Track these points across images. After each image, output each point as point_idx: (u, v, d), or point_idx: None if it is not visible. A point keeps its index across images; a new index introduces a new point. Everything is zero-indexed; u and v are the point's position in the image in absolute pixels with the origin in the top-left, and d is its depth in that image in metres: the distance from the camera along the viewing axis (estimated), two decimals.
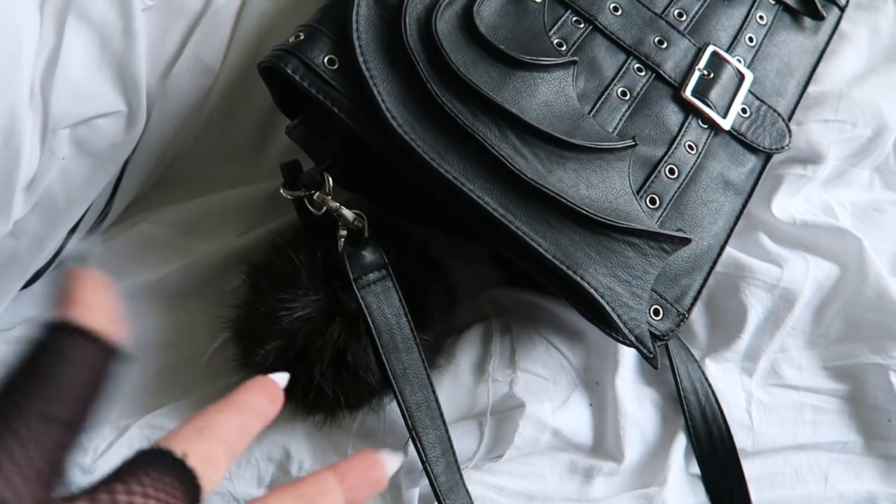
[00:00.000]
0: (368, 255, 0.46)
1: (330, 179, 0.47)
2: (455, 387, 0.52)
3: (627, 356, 0.54)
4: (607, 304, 0.45)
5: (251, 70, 0.54)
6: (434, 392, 0.47)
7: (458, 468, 0.47)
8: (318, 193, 0.46)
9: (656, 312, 0.48)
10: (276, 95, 0.49)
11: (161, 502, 0.21)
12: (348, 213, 0.47)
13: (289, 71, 0.45)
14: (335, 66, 0.45)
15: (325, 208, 0.47)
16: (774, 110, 0.54)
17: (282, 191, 0.48)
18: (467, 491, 0.47)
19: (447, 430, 0.47)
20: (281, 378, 0.30)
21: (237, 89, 0.56)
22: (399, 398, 0.46)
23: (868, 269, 0.56)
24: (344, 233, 0.47)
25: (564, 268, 0.45)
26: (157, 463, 0.22)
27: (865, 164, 0.63)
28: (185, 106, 0.55)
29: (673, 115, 0.52)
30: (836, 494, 0.52)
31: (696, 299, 0.49)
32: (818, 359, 0.56)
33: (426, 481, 0.46)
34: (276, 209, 0.55)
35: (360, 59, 0.44)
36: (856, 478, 0.53)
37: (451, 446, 0.47)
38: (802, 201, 0.60)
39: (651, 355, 0.45)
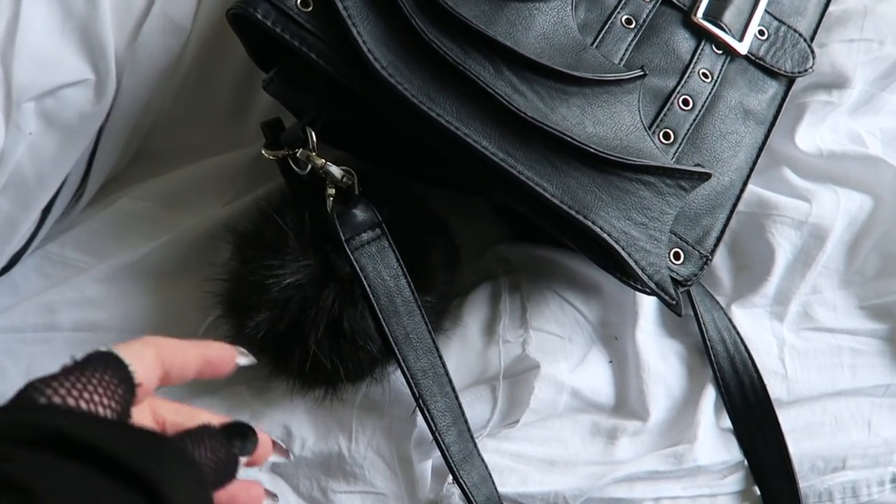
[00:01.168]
0: (360, 214, 0.43)
1: (313, 135, 0.43)
2: (464, 351, 0.49)
3: (647, 307, 0.50)
4: (623, 249, 0.41)
5: (225, 26, 0.49)
6: (441, 357, 0.44)
7: (472, 436, 0.44)
8: (301, 151, 0.43)
9: (676, 256, 0.44)
10: (249, 47, 0.45)
11: (101, 395, 0.26)
12: (336, 170, 0.43)
13: (259, 16, 0.41)
14: (309, 8, 0.41)
15: (310, 166, 0.43)
16: (795, 30, 0.50)
17: (263, 151, 0.45)
18: (482, 460, 0.44)
19: (457, 397, 0.44)
20: (244, 358, 0.34)
21: (212, 48, 0.52)
22: (403, 366, 0.42)
23: None
24: (332, 191, 0.43)
25: (574, 213, 0.41)
26: (102, 361, 0.27)
27: (894, 86, 0.58)
28: (158, 69, 0.51)
29: (684, 41, 0.47)
30: (882, 441, 0.49)
31: (719, 240, 0.45)
32: (854, 298, 0.52)
33: (438, 452, 0.43)
34: (262, 174, 0.52)
35: None
36: None
37: (463, 414, 0.44)
38: (828, 131, 0.56)
39: (674, 302, 0.41)
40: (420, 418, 0.44)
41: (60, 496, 0.22)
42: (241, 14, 0.41)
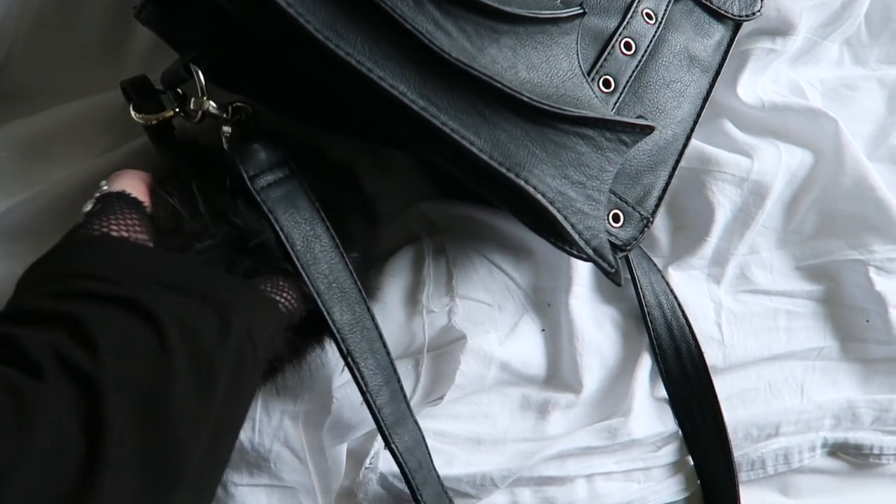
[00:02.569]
0: (263, 152, 0.37)
1: (200, 74, 0.36)
2: (385, 323, 0.43)
3: (582, 271, 0.46)
4: (558, 211, 0.37)
5: None
6: (370, 310, 0.38)
7: (405, 396, 0.39)
8: (193, 101, 0.36)
9: (616, 218, 0.40)
10: None
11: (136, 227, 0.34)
12: (219, 107, 0.37)
13: None
14: None
15: (199, 113, 0.37)
16: None
17: (133, 114, 0.37)
18: (416, 422, 0.39)
19: (389, 354, 0.39)
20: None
21: None
22: (329, 319, 0.37)
23: (845, 155, 0.50)
24: (228, 129, 0.37)
25: (504, 170, 0.36)
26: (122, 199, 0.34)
27: (836, 35, 0.55)
28: None
29: None
30: (814, 406, 0.47)
31: (660, 200, 0.41)
32: (791, 258, 0.50)
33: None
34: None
35: None
36: (833, 386, 0.48)
37: (395, 372, 0.39)
38: (769, 81, 0.53)
39: (612, 270, 0.38)
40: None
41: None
42: None
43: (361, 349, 0.38)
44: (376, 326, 0.39)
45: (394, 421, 0.39)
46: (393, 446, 0.38)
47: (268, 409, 0.39)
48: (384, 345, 0.39)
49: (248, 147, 0.37)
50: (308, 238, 0.37)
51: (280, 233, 0.36)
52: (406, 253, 0.46)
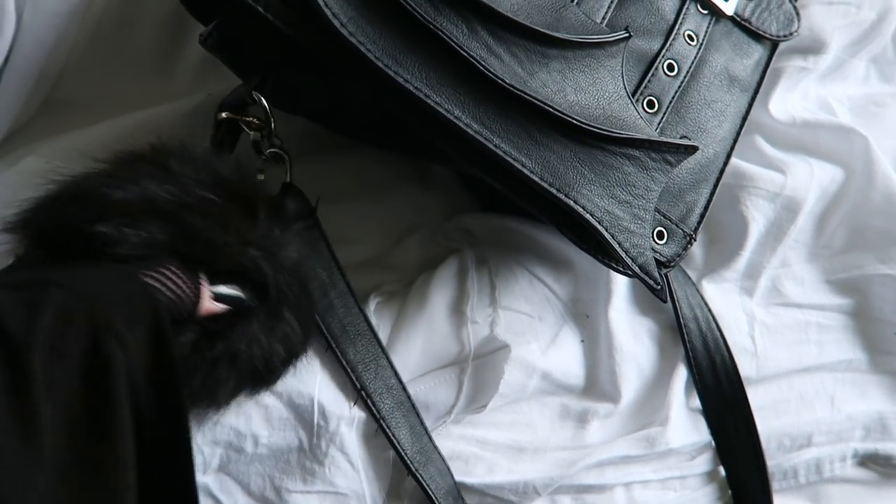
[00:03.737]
0: (291, 204, 0.39)
1: (265, 101, 0.37)
2: (431, 334, 0.45)
3: (620, 283, 0.48)
4: (606, 230, 0.38)
5: None
6: (384, 350, 0.42)
7: (426, 430, 0.42)
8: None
9: (660, 235, 0.41)
10: None
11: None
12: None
13: None
14: None
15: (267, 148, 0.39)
16: None
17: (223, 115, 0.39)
18: (440, 454, 0.42)
19: (406, 390, 0.42)
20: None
21: None
22: (342, 360, 0.41)
23: (875, 171, 0.51)
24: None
25: (554, 191, 0.37)
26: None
27: (864, 53, 0.56)
28: (67, 4, 0.43)
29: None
30: (844, 417, 0.49)
31: (703, 217, 0.43)
32: (821, 272, 0.51)
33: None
34: (195, 133, 0.45)
35: None
36: (862, 397, 0.50)
37: (414, 407, 0.42)
38: (798, 98, 0.54)
39: (658, 287, 0.39)
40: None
41: None
42: None
43: (377, 387, 0.41)
44: (391, 364, 0.42)
45: (417, 454, 0.41)
46: (420, 479, 0.41)
47: (325, 415, 0.40)
48: (400, 381, 0.42)
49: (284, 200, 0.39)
50: (325, 287, 0.40)
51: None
52: (450, 264, 0.47)
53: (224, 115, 0.39)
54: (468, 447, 0.44)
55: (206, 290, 0.33)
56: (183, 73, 0.47)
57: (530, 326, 0.46)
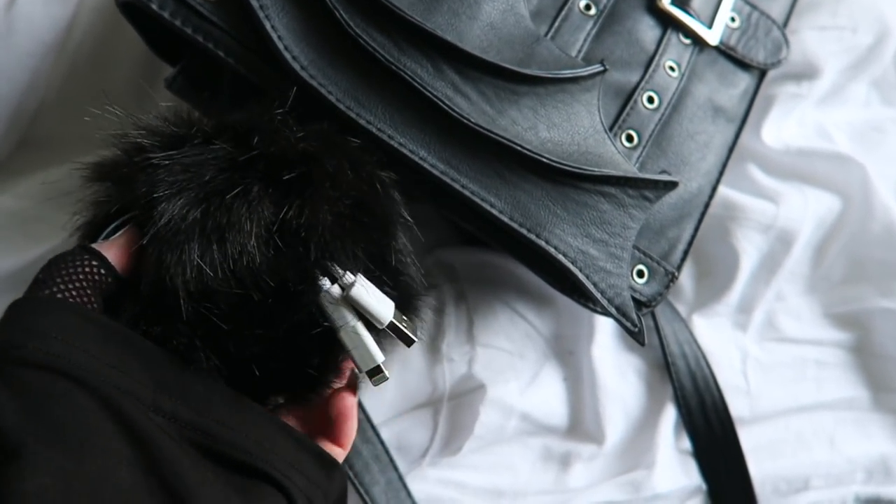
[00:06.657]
0: None
1: None
2: (405, 372, 0.44)
3: (604, 319, 0.46)
4: (580, 270, 0.37)
5: None
6: (361, 405, 0.42)
7: (405, 484, 0.42)
8: None
9: (640, 274, 0.40)
10: (147, 38, 0.39)
11: None
12: None
13: (154, 7, 0.34)
14: None
15: None
16: (768, 17, 0.45)
17: None
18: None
19: (382, 443, 0.42)
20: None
21: (107, 19, 0.45)
22: None
23: (874, 201, 0.49)
24: None
25: (525, 231, 0.36)
26: None
27: (863, 77, 0.54)
28: (40, 43, 0.44)
29: (648, 30, 0.42)
30: (845, 459, 0.46)
31: (686, 254, 0.41)
32: (819, 305, 0.49)
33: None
34: None
35: None
36: (865, 438, 0.47)
37: (392, 461, 0.42)
38: (794, 124, 0.52)
39: (636, 329, 0.37)
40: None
41: None
42: (133, 3, 0.34)
43: (357, 451, 0.41)
44: (368, 419, 0.41)
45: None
46: None
47: None
48: (377, 434, 0.42)
49: None
50: None
51: None
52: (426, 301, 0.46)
53: None
54: (445, 491, 0.43)
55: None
56: (157, 110, 0.47)
57: (510, 364, 0.45)
